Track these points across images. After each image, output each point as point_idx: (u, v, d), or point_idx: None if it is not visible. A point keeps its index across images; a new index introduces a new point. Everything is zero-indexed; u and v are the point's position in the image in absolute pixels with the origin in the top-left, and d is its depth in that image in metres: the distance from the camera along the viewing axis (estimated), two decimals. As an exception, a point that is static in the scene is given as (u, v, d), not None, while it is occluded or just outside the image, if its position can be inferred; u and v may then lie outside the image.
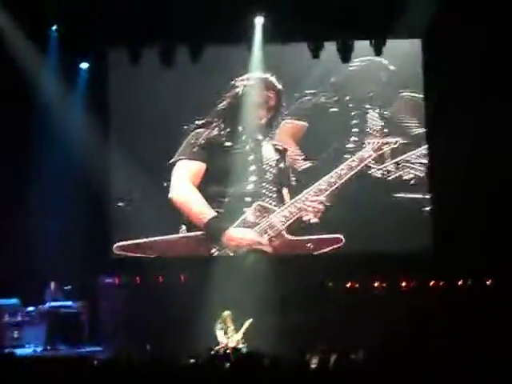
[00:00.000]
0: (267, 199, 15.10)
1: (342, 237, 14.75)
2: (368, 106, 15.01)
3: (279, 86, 14.95)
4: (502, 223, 14.03)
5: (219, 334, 12.87)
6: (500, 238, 13.94)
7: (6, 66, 13.79)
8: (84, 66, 14.89)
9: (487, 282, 14.28)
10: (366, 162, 14.97)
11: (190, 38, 14.26)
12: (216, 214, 14.94)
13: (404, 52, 14.81)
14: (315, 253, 14.84)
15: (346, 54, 14.55)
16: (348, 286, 14.64)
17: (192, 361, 9.07)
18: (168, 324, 13.82)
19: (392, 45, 14.51)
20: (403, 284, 14.50)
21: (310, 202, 14.93)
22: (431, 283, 14.42)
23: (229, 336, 12.76)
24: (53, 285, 14.24)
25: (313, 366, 7.61)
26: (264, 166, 15.16)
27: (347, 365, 7.04)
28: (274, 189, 15.11)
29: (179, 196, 15.02)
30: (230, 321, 12.95)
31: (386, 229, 14.48)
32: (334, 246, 14.78)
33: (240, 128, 15.08)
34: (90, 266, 14.11)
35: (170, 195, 14.95)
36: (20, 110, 14.14)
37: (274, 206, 15.10)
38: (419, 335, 12.51)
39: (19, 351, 12.43)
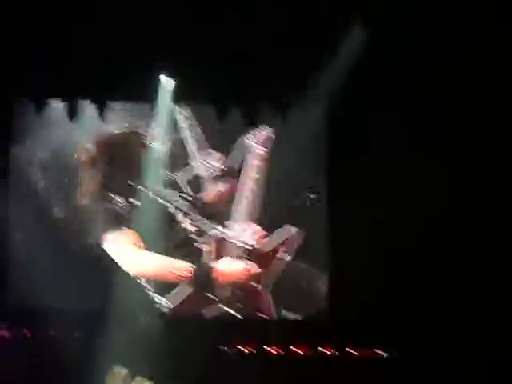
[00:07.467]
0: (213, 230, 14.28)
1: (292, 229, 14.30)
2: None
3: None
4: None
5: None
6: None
7: None
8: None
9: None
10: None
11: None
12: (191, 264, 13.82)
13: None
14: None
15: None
16: (245, 350, 14.34)
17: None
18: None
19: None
20: (297, 350, 14.18)
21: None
22: (325, 351, 14.11)
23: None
24: None
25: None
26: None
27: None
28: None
29: (141, 268, 13.91)
30: (128, 380, 12.57)
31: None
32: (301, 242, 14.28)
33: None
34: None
35: (131, 272, 13.81)
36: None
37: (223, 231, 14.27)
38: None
39: None
